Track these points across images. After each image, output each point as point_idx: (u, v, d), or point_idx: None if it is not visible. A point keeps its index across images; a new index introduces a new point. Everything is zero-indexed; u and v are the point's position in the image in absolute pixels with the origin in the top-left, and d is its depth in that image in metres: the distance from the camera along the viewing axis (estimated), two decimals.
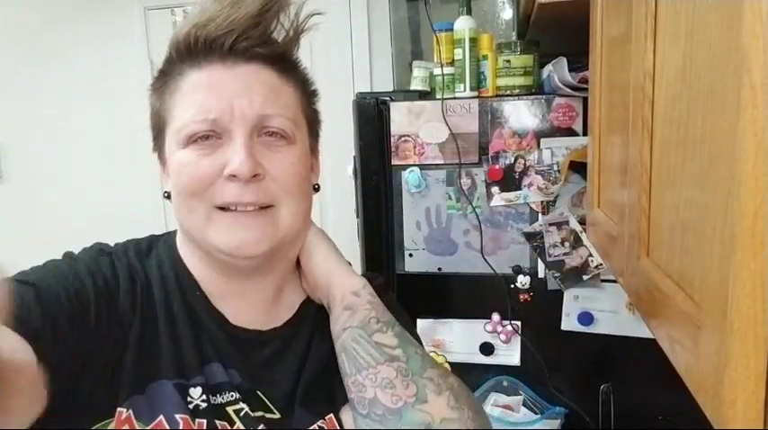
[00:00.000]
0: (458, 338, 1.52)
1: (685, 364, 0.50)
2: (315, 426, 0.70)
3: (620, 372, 1.43)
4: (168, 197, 0.68)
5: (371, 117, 1.50)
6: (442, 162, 1.47)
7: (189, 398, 0.63)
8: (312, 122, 0.75)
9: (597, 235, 1.05)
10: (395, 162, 1.50)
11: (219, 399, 0.65)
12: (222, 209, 0.64)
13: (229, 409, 0.66)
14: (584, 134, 1.37)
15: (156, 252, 0.71)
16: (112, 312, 0.63)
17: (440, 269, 1.51)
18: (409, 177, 1.49)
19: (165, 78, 0.67)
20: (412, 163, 1.49)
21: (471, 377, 1.52)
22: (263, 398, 0.68)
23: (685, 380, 0.49)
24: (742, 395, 0.38)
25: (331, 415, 0.72)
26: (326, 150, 2.61)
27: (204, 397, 0.64)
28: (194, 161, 0.63)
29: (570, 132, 1.40)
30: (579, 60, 1.31)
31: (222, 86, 0.64)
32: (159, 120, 0.67)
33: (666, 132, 0.57)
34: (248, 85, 0.64)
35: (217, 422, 0.64)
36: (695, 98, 0.48)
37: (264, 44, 0.66)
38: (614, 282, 1.37)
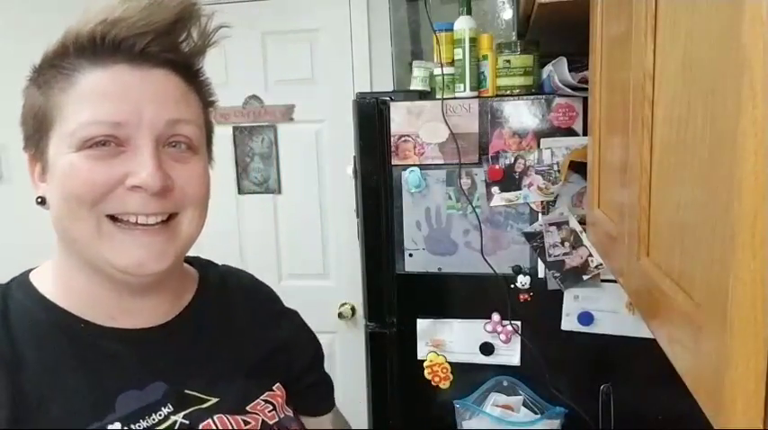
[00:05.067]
0: (458, 338, 1.52)
1: (685, 364, 0.50)
2: (259, 400, 0.73)
3: (620, 372, 1.43)
4: (42, 203, 0.64)
5: (371, 117, 1.50)
6: (442, 162, 1.47)
7: None
8: (209, 133, 0.72)
9: (597, 235, 1.05)
10: (395, 162, 1.50)
11: (144, 424, 0.63)
12: (113, 219, 0.60)
13: (164, 426, 0.64)
14: (585, 134, 1.37)
15: (13, 303, 0.64)
16: None
17: (440, 269, 1.51)
18: (409, 177, 1.49)
19: (53, 72, 0.61)
20: (412, 163, 1.49)
21: (471, 377, 1.52)
22: (194, 393, 0.67)
23: (685, 380, 0.49)
24: (742, 395, 0.38)
25: (278, 383, 0.76)
26: (326, 150, 2.62)
27: (128, 428, 0.62)
28: (89, 167, 0.58)
29: (570, 132, 1.40)
30: (579, 60, 1.31)
31: (129, 90, 0.60)
32: (43, 117, 0.61)
33: (666, 132, 0.57)
34: (158, 90, 0.61)
35: None
36: (695, 98, 0.48)
37: (174, 50, 0.63)
38: (614, 282, 1.37)
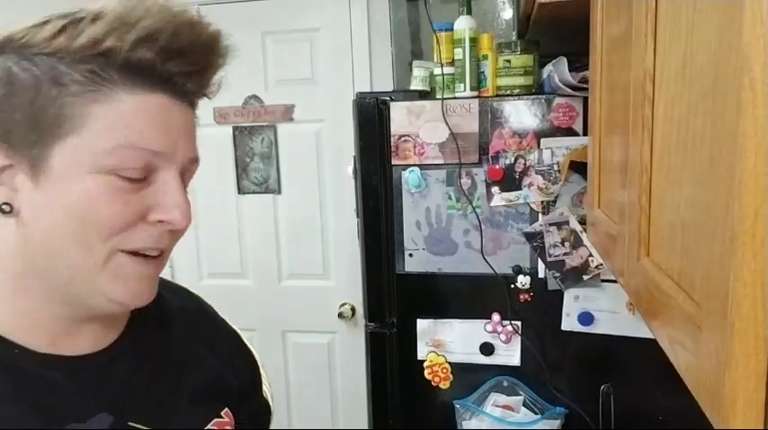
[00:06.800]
0: (458, 338, 1.52)
1: (685, 364, 0.50)
2: (209, 427, 0.69)
3: (620, 372, 1.43)
4: (8, 212, 0.54)
5: (371, 117, 1.50)
6: (442, 162, 1.47)
7: None
8: None
9: (597, 235, 1.05)
10: (395, 162, 1.50)
11: None
12: (128, 253, 0.57)
13: None
14: (585, 134, 1.37)
15: None
16: None
17: (440, 269, 1.51)
18: (409, 177, 1.49)
19: (82, 72, 0.53)
20: (412, 163, 1.49)
21: (471, 377, 1.52)
22: (137, 425, 0.63)
23: (685, 380, 0.49)
24: (742, 395, 0.38)
25: (227, 409, 0.73)
26: (327, 150, 2.61)
27: None
28: (119, 197, 0.54)
29: (570, 132, 1.40)
30: (579, 60, 1.31)
31: (171, 121, 0.57)
32: (50, 118, 0.52)
33: (666, 132, 0.57)
34: (189, 126, 0.60)
35: None
36: (695, 98, 0.48)
37: (206, 90, 0.63)
38: (614, 282, 1.37)
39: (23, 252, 0.56)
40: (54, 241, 0.55)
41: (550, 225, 1.42)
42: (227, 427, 0.72)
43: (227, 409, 0.73)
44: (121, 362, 0.64)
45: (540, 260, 1.44)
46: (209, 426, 0.70)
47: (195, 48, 0.56)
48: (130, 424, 0.62)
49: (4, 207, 0.54)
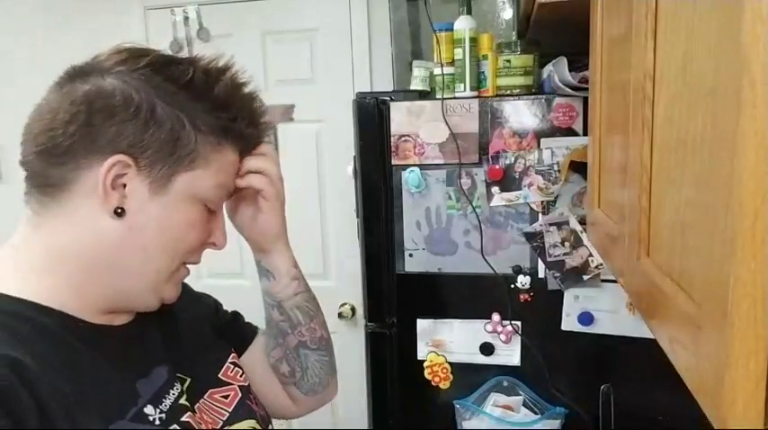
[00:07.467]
0: (458, 338, 1.52)
1: (685, 364, 0.50)
2: (228, 364, 0.81)
3: (620, 372, 1.43)
4: (120, 214, 0.62)
5: (371, 117, 1.50)
6: (442, 162, 1.47)
7: (151, 417, 0.64)
8: None
9: (597, 235, 1.05)
10: (395, 162, 1.50)
11: (167, 403, 0.67)
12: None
13: (182, 401, 0.69)
14: (585, 134, 1.37)
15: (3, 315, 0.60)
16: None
17: (440, 269, 1.51)
18: (409, 177, 1.48)
19: (215, 127, 0.67)
20: (412, 163, 1.49)
21: (471, 377, 1.52)
22: (179, 375, 0.72)
23: (685, 380, 0.49)
24: (742, 395, 0.38)
25: (233, 350, 0.85)
26: (327, 150, 2.60)
27: (158, 409, 0.65)
28: (202, 224, 0.69)
29: (570, 132, 1.40)
30: (579, 60, 1.31)
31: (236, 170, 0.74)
32: (186, 152, 0.65)
33: (666, 132, 0.57)
34: None
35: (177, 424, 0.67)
36: (695, 98, 0.48)
37: None
38: (614, 282, 1.37)
39: (111, 248, 0.64)
40: (151, 248, 0.65)
41: (550, 225, 1.42)
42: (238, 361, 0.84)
43: (233, 351, 0.84)
44: (152, 326, 0.73)
45: (540, 260, 1.44)
46: (229, 360, 0.82)
47: (265, 118, 0.75)
48: (177, 374, 0.72)
49: (118, 210, 0.63)
